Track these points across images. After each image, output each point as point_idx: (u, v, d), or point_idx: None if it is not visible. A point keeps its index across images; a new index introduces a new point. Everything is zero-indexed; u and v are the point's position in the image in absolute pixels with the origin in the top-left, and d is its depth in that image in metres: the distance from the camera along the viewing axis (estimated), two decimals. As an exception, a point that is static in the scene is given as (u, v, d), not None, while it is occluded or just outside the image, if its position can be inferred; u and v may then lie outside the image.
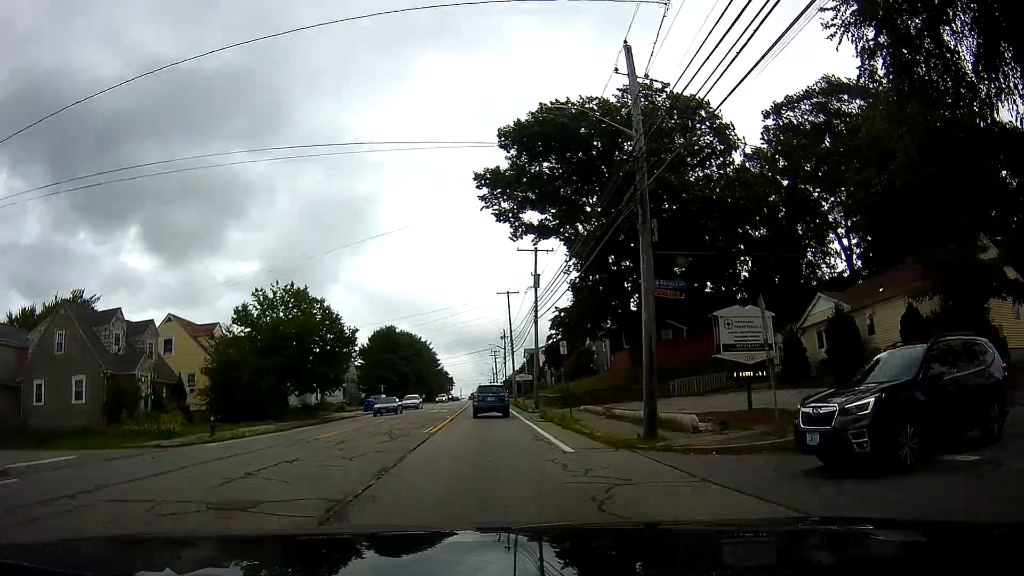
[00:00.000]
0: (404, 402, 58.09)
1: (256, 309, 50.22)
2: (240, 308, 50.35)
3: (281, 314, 50.39)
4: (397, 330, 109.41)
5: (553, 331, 62.07)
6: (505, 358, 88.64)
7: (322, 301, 52.76)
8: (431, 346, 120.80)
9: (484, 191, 45.89)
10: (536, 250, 44.74)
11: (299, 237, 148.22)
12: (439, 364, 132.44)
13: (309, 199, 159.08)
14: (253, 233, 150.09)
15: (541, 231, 46.53)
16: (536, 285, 43.98)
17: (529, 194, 45.00)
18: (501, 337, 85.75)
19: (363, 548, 2.54)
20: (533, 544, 2.34)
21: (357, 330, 54.24)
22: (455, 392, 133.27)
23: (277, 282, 54.77)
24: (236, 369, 41.41)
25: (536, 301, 44.93)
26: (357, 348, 54.03)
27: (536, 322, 46.21)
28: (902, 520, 3.56)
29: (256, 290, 51.18)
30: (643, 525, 3.91)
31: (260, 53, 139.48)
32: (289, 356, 46.95)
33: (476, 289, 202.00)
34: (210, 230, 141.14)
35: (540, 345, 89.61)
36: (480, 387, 41.38)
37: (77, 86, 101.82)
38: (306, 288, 52.61)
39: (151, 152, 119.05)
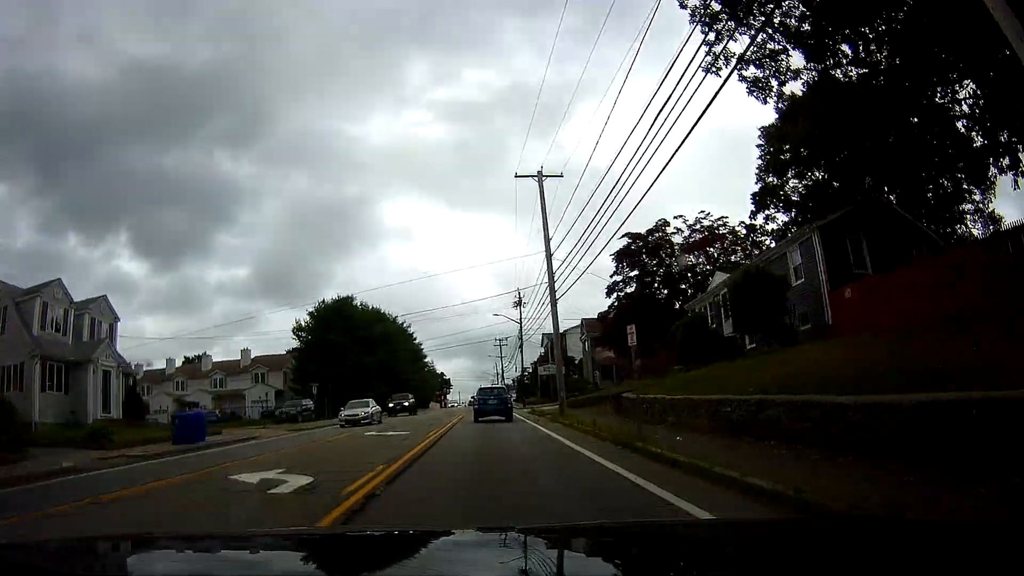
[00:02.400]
0: None
1: None
2: None
3: None
4: (356, 303, 68.85)
5: (617, 276, 47.27)
6: (521, 343, 69.85)
7: None
8: (410, 328, 79.20)
9: None
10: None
11: (289, 238, 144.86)
12: (425, 357, 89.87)
13: (297, 200, 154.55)
14: (243, 238, 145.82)
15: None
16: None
17: None
18: (515, 304, 61.94)
19: (364, 547, 2.53)
20: (538, 543, 2.28)
21: None
22: (453, 396, 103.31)
23: None
24: None
25: None
26: None
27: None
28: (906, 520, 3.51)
29: None
30: (650, 524, 3.86)
31: (243, 53, 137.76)
32: None
33: (479, 289, 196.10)
34: (201, 235, 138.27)
35: (576, 323, 63.56)
36: (480, 389, 37.01)
37: (62, 89, 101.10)
38: None
39: (133, 155, 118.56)
